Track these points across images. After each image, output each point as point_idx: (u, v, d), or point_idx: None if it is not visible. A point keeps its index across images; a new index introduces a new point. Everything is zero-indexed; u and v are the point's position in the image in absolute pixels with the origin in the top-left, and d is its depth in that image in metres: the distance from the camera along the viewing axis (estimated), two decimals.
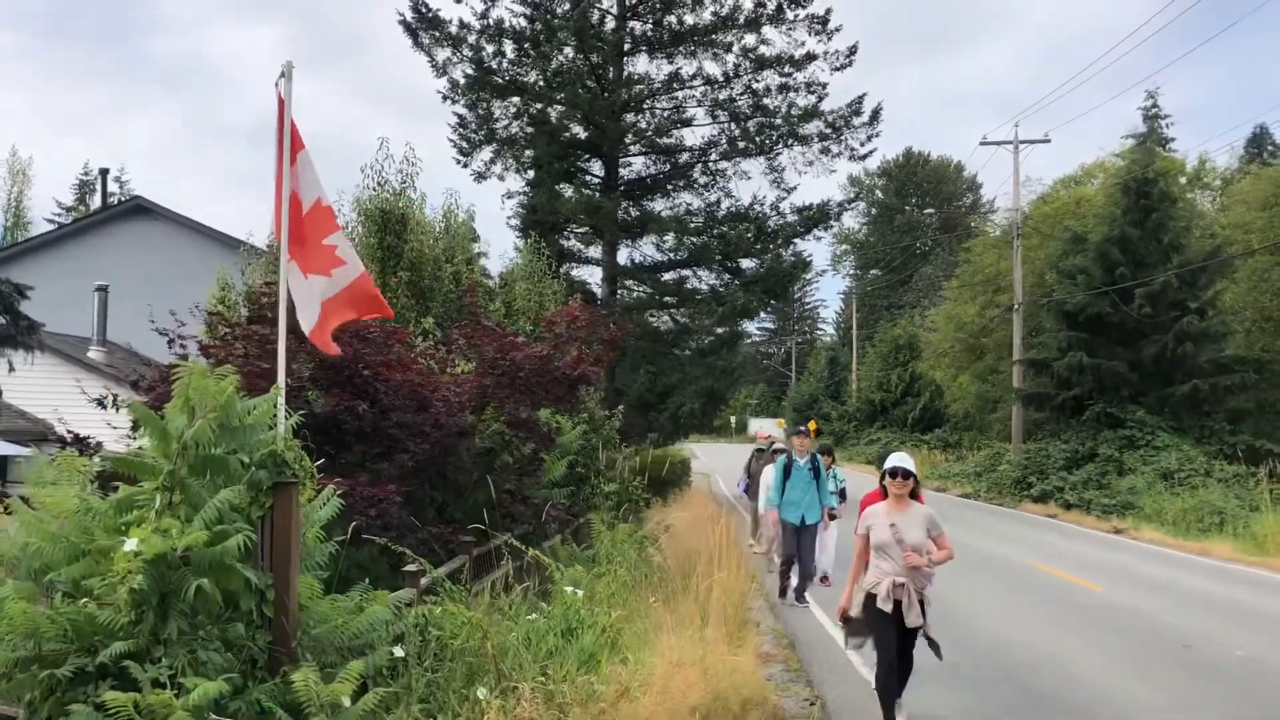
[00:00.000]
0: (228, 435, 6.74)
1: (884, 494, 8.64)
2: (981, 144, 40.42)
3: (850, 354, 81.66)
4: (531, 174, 30.63)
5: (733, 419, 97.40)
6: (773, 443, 19.65)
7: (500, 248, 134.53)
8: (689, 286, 30.86)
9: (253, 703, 5.97)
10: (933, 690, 9.19)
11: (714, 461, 49.71)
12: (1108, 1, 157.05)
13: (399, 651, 7.01)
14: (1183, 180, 41.99)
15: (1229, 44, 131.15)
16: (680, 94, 30.24)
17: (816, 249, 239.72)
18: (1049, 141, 40.40)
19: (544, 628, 8.38)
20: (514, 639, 7.89)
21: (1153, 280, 31.78)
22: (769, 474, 16.06)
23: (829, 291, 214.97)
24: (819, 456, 14.45)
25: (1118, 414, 32.57)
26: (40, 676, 5.66)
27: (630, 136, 29.88)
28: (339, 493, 7.43)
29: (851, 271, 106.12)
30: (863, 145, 30.40)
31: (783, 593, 14.26)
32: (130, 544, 5.90)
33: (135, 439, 8.04)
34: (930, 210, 79.27)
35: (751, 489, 19.67)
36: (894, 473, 10.20)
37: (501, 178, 31.55)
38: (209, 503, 6.36)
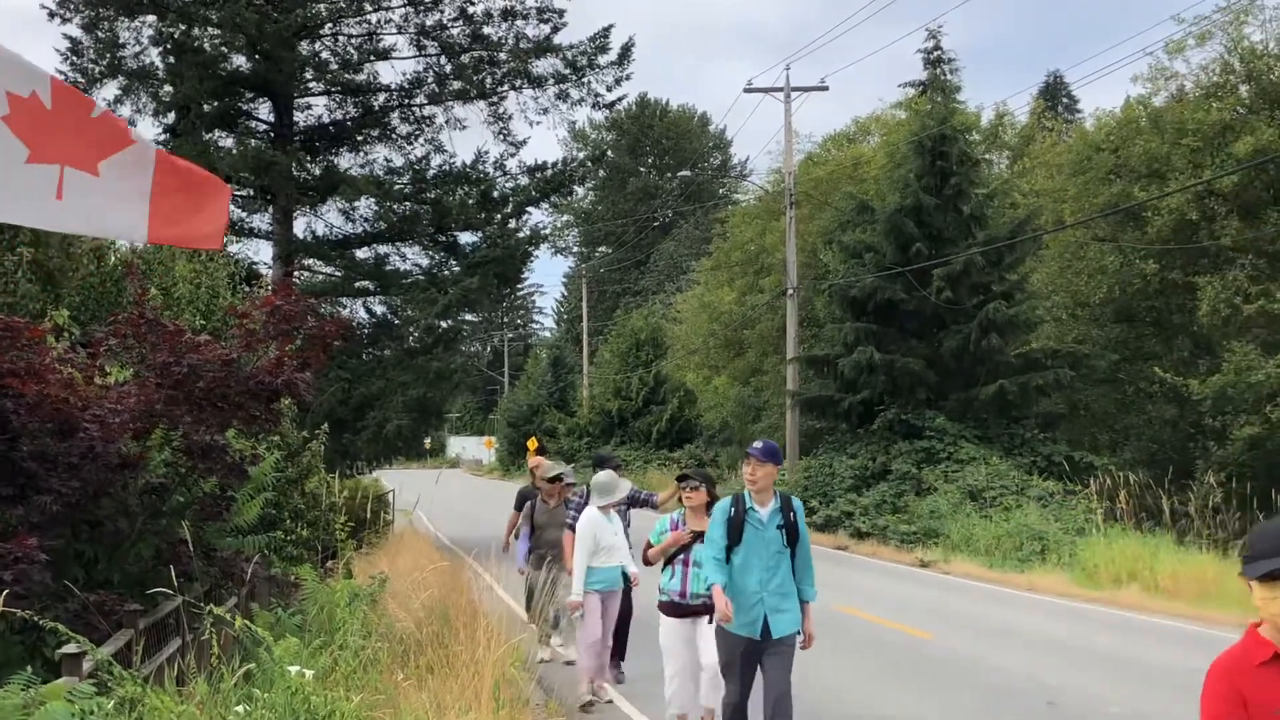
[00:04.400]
0: None
1: None
2: (746, 90, 41.59)
3: (579, 353, 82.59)
4: (174, 118, 29.42)
5: (427, 439, 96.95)
6: (561, 476, 15.14)
7: None
8: (391, 267, 30.44)
9: None
10: None
11: (408, 493, 49.09)
12: None
13: None
14: (976, 138, 44.40)
15: None
16: (374, 16, 29.86)
17: (532, 221, 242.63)
18: (826, 89, 41.95)
19: None
20: None
21: (953, 258, 33.46)
22: (589, 525, 12.31)
23: (547, 274, 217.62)
24: (792, 500, 9.43)
25: (914, 421, 34.14)
26: None
27: (310, 71, 29.17)
28: None
29: (575, 249, 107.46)
30: (609, 90, 30.81)
31: None
32: None
33: None
34: (681, 173, 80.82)
35: (545, 551, 14.54)
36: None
37: (133, 123, 30.08)
38: None
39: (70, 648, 7.74)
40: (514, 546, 16.31)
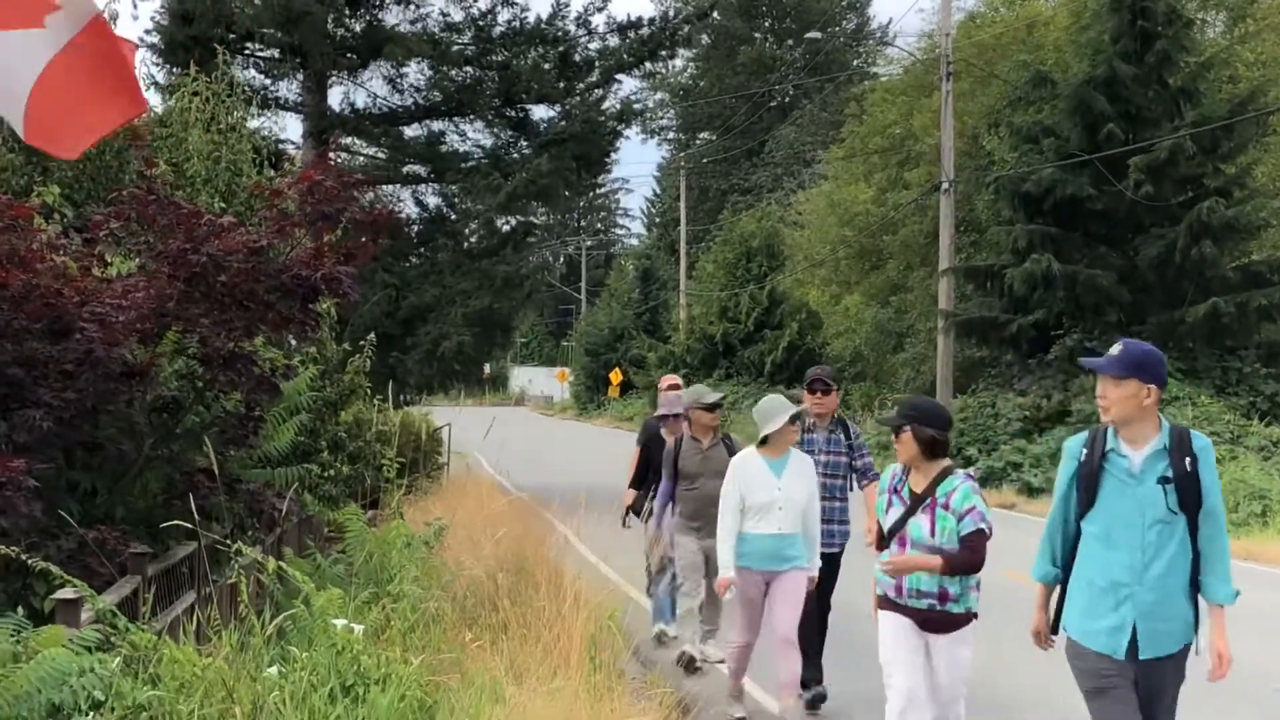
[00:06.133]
0: None
1: None
2: None
3: (674, 264, 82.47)
4: None
5: (486, 367, 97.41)
6: (720, 403, 13.05)
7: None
8: (448, 148, 30.55)
9: None
10: None
11: (460, 434, 49.51)
12: None
13: None
14: None
15: None
16: None
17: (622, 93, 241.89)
18: None
19: (303, 683, 8.10)
20: (274, 701, 7.61)
21: (1155, 144, 32.97)
22: (734, 473, 10.70)
23: (636, 165, 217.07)
24: (1191, 439, 6.95)
25: (1101, 349, 33.55)
26: None
27: None
28: None
29: (671, 134, 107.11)
30: None
31: None
32: None
33: None
34: (808, 36, 79.69)
35: (699, 510, 12.34)
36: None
37: None
38: None
39: (66, 593, 7.87)
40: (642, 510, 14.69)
